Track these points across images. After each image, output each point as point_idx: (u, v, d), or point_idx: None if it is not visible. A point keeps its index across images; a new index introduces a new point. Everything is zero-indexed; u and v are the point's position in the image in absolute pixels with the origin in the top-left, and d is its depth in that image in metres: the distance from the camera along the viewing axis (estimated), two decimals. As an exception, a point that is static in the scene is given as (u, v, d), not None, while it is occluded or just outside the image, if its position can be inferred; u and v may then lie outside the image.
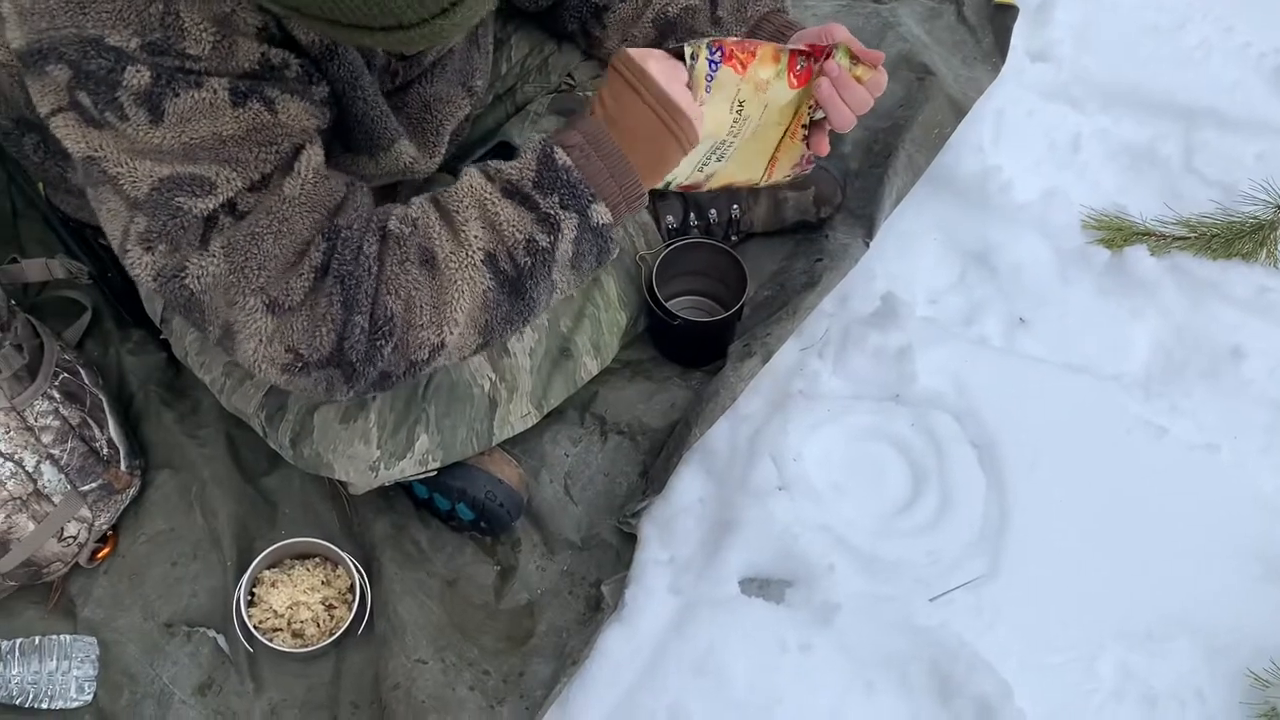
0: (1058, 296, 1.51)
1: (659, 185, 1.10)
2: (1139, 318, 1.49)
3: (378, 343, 0.98)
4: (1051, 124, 1.66)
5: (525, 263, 1.00)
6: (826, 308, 1.44)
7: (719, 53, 1.05)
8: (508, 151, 1.37)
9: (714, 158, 1.16)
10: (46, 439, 1.18)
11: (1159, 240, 1.54)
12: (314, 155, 0.97)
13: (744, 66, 1.08)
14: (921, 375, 1.39)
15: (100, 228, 1.29)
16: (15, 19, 0.91)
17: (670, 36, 1.29)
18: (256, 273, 0.94)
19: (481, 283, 0.99)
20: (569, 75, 1.41)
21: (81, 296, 1.38)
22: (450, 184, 1.33)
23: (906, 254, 1.52)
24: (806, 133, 1.20)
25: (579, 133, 1.01)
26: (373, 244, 0.98)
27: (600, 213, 1.01)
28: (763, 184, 1.24)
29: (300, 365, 0.98)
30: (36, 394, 1.17)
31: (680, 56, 1.03)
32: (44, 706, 1.20)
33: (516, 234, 0.99)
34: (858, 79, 1.13)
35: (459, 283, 0.99)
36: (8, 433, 1.15)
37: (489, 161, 1.03)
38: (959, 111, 1.56)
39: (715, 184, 1.21)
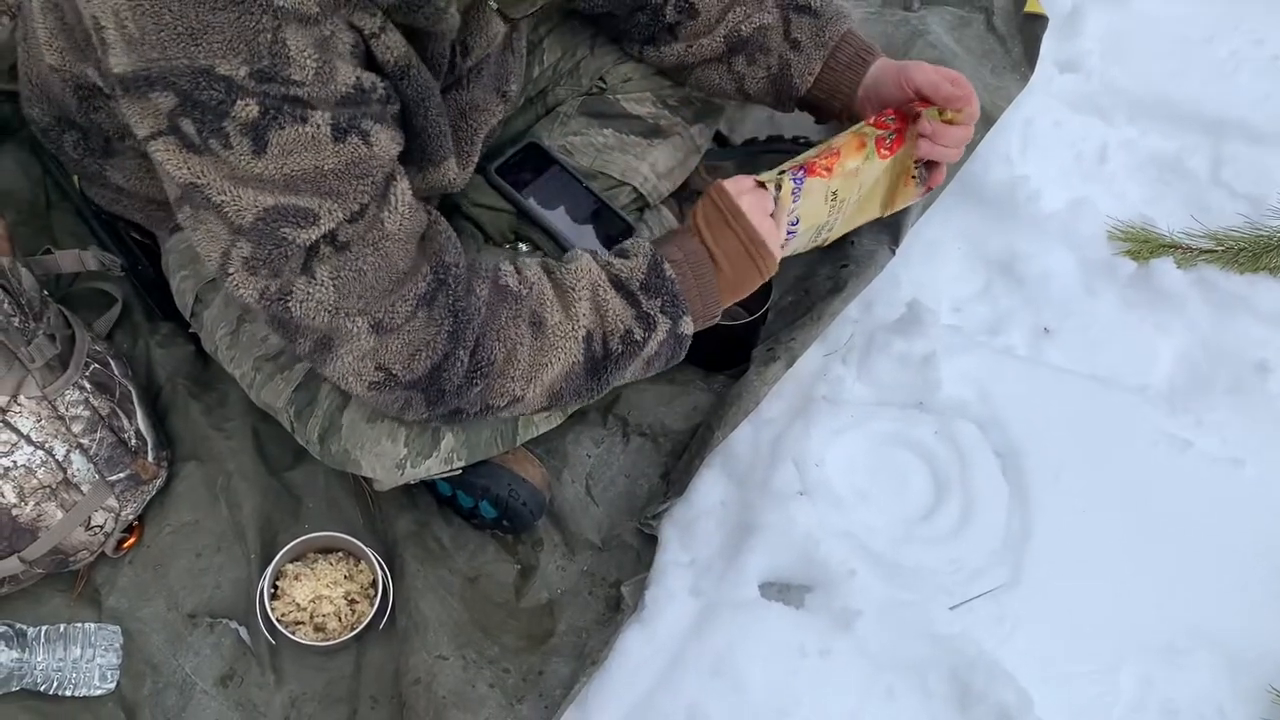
0: (1083, 307, 1.50)
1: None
2: (1165, 330, 1.49)
3: (474, 379, 1.05)
4: (1079, 134, 1.65)
5: (616, 349, 1.10)
6: (851, 313, 1.44)
7: (801, 172, 1.16)
8: (538, 154, 1.37)
9: (819, 237, 1.26)
10: (76, 428, 1.19)
11: (1185, 253, 1.53)
12: (405, 188, 1.03)
13: (829, 171, 1.18)
14: (946, 383, 1.39)
15: (134, 221, 1.32)
16: (123, 46, 0.92)
17: (740, 53, 1.30)
18: (360, 298, 1.00)
19: (576, 355, 1.09)
20: (600, 79, 1.42)
21: (112, 288, 1.40)
22: (480, 184, 1.35)
23: (932, 262, 1.52)
24: (916, 174, 1.27)
25: (681, 251, 1.12)
26: (484, 289, 1.06)
27: (686, 324, 1.12)
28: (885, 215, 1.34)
29: (389, 383, 1.04)
30: (68, 384, 1.18)
31: (763, 184, 1.14)
32: (68, 694, 1.21)
33: (619, 323, 1.09)
34: (951, 121, 1.20)
35: (558, 350, 1.08)
36: (39, 421, 1.17)
37: (599, 253, 1.13)
38: (987, 120, 1.56)
39: (829, 242, 1.32)
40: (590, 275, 1.09)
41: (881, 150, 1.21)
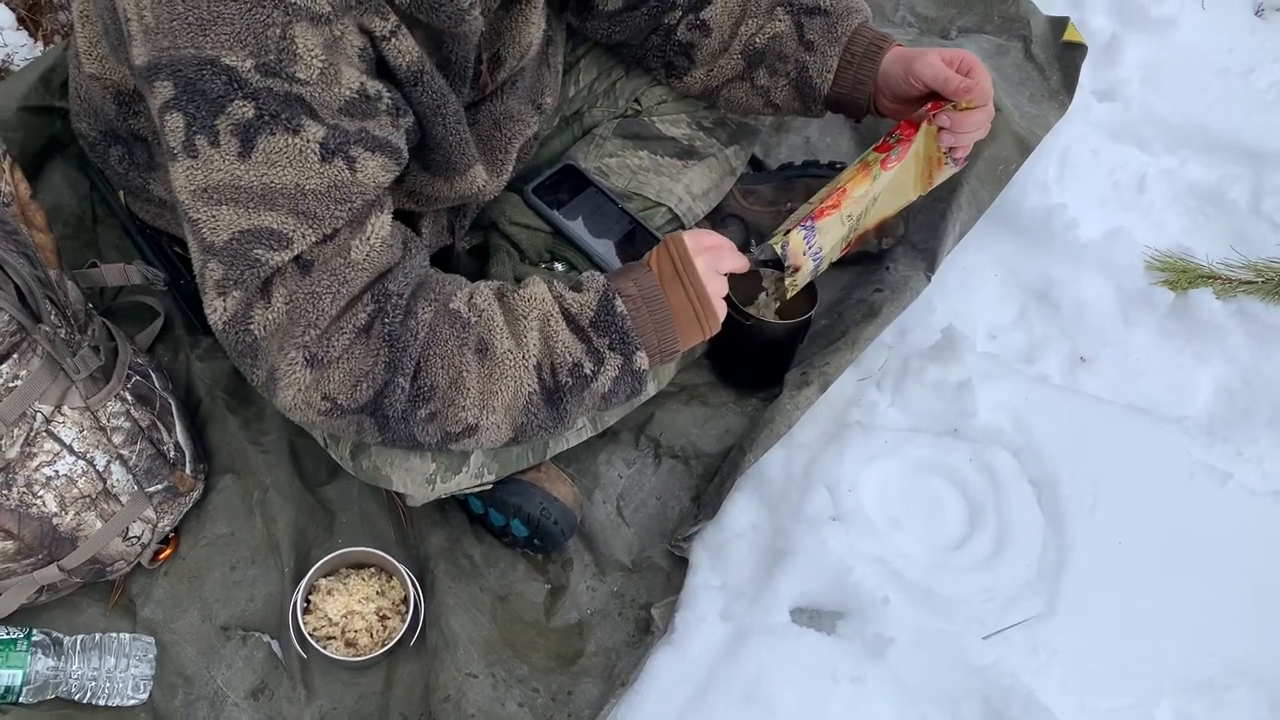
0: (1120, 337, 1.49)
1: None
2: (1203, 361, 1.48)
3: (417, 406, 1.03)
4: (1117, 163, 1.65)
5: (566, 382, 1.06)
6: (886, 339, 1.44)
7: (810, 221, 1.18)
8: (574, 176, 1.38)
9: (846, 241, 1.28)
10: (117, 439, 1.21)
11: (1225, 284, 1.52)
12: (383, 222, 1.02)
13: (837, 207, 1.20)
14: (981, 410, 1.38)
15: (176, 236, 1.34)
16: (141, 36, 0.95)
17: (760, 66, 1.31)
18: (305, 329, 0.99)
19: (528, 384, 1.05)
20: (635, 100, 1.43)
21: (154, 302, 1.42)
22: (517, 204, 1.36)
23: (968, 288, 1.52)
24: (947, 157, 1.27)
25: (636, 286, 1.09)
26: (426, 312, 1.03)
27: (640, 359, 1.08)
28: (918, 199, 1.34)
29: (338, 411, 1.03)
30: (110, 395, 1.20)
31: (771, 262, 1.19)
32: (101, 703, 1.22)
33: (567, 355, 1.06)
34: (968, 107, 1.20)
35: (508, 378, 1.05)
36: (81, 432, 1.18)
37: (554, 281, 1.10)
38: (1025, 148, 1.55)
39: (870, 225, 1.33)
40: (542, 306, 1.06)
41: (890, 163, 1.22)
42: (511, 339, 1.05)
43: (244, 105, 0.92)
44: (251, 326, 0.98)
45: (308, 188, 0.95)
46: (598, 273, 1.11)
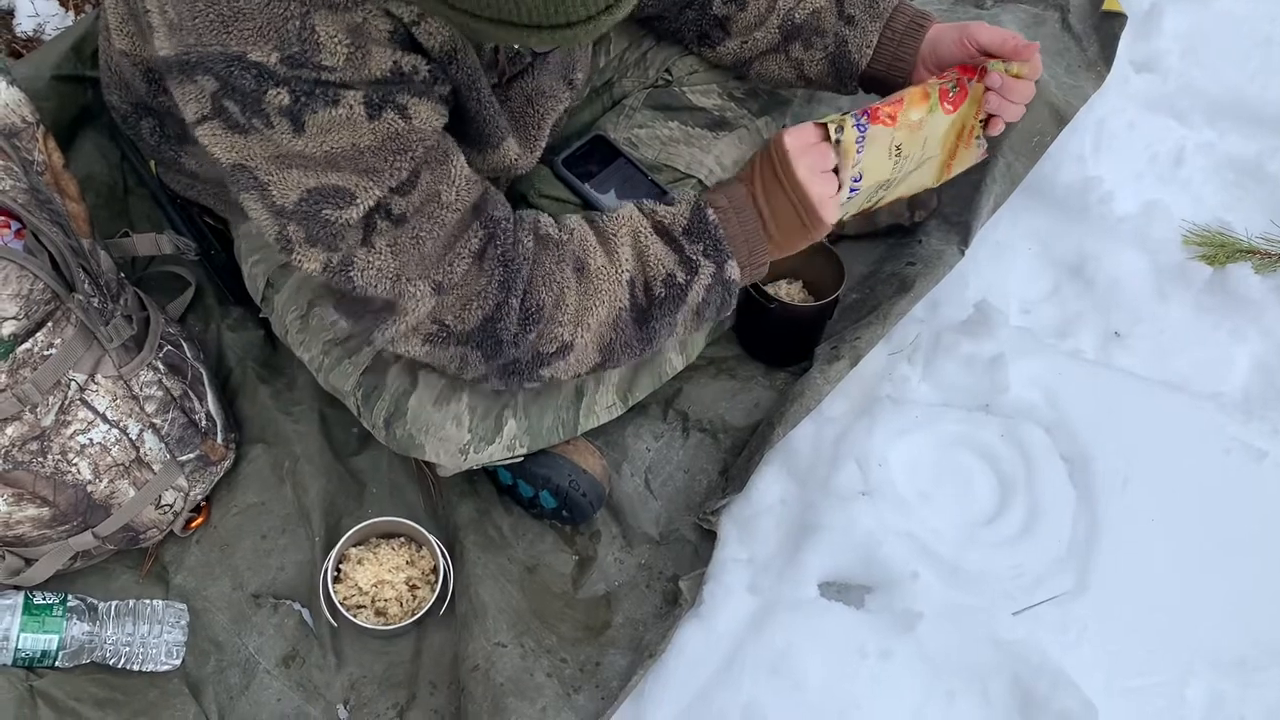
0: (1155, 312, 1.47)
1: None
2: (1240, 337, 1.45)
3: (527, 326, 1.06)
4: (1154, 136, 1.62)
5: (660, 294, 1.09)
6: (918, 313, 1.43)
7: (865, 116, 1.12)
8: (604, 147, 1.37)
9: (880, 193, 1.22)
10: (150, 408, 1.22)
11: (1264, 259, 1.49)
12: (462, 162, 1.04)
13: (893, 119, 1.14)
14: (1013, 385, 1.37)
15: (207, 206, 1.34)
16: (164, 31, 0.96)
17: (796, 40, 1.29)
18: (419, 265, 1.02)
19: (621, 300, 1.09)
20: (666, 70, 1.41)
21: (185, 272, 1.42)
22: (547, 176, 1.36)
23: (1001, 262, 1.50)
24: (979, 135, 1.23)
25: (727, 198, 1.11)
26: (528, 238, 1.07)
27: (733, 269, 1.10)
28: (939, 184, 1.29)
29: (444, 337, 1.06)
30: (142, 364, 1.21)
31: (827, 134, 1.10)
32: (135, 668, 1.23)
33: (660, 267, 1.09)
34: (1017, 75, 1.17)
35: (603, 293, 1.08)
36: (114, 400, 1.19)
37: (644, 202, 1.12)
38: (1060, 120, 1.53)
39: (888, 202, 1.26)
40: (632, 222, 1.10)
41: (945, 104, 1.17)
42: (604, 255, 1.08)
43: (278, 93, 0.94)
44: (352, 273, 1.02)
45: (363, 145, 0.97)
46: (687, 188, 1.11)
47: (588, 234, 1.09)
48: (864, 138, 1.12)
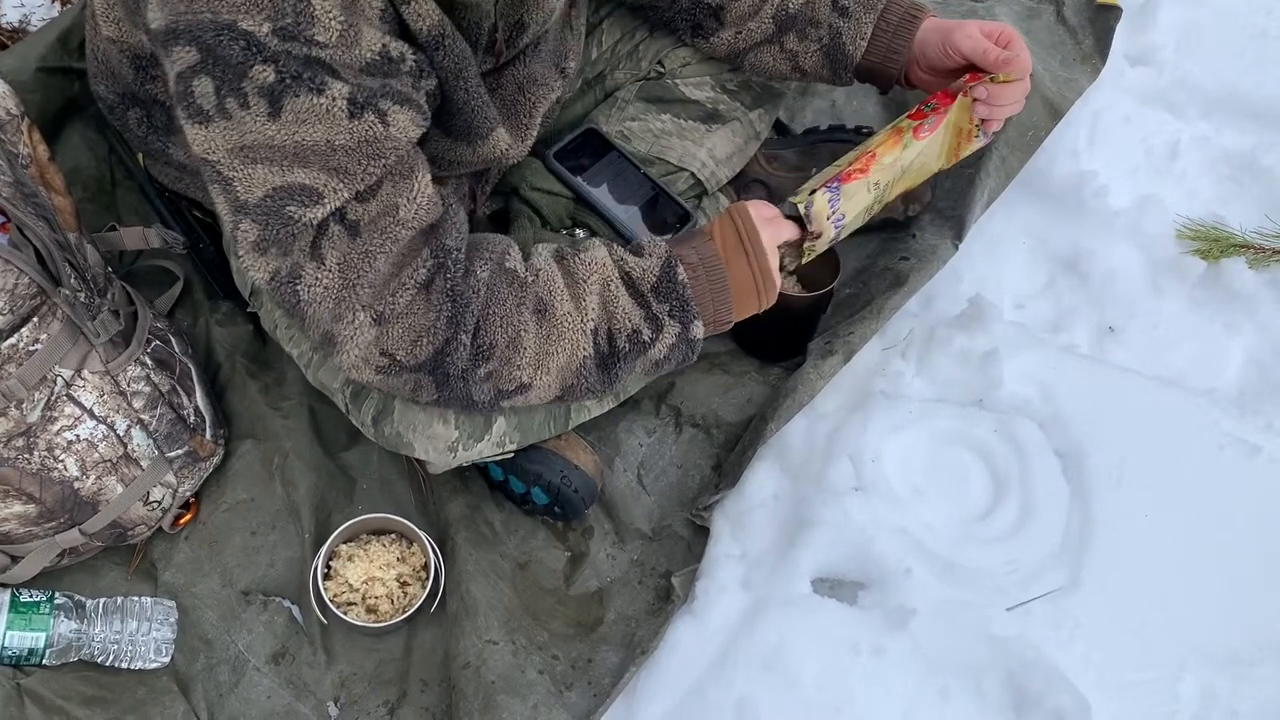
0: (1149, 307, 1.47)
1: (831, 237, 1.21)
2: (1235, 332, 1.45)
3: (477, 364, 1.04)
4: (1149, 130, 1.61)
5: (623, 347, 1.07)
6: (911, 308, 1.42)
7: (836, 183, 1.15)
8: (596, 140, 1.36)
9: (870, 213, 1.24)
10: (137, 404, 1.21)
11: (1258, 253, 1.49)
12: (427, 180, 1.02)
13: (865, 172, 1.17)
14: (1007, 381, 1.37)
15: (195, 199, 1.33)
16: (157, 1, 0.93)
17: (790, 31, 1.28)
18: (366, 290, 0.99)
19: (585, 349, 1.06)
20: (659, 62, 1.40)
21: (174, 266, 1.41)
22: (539, 169, 1.35)
23: (995, 257, 1.50)
24: (979, 133, 1.24)
25: (697, 254, 1.09)
26: (484, 270, 1.04)
27: (697, 329, 1.09)
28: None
29: (395, 368, 1.03)
30: (130, 359, 1.20)
31: (795, 217, 1.14)
32: (124, 666, 1.22)
33: (627, 321, 1.07)
34: (1006, 80, 1.18)
35: (565, 340, 1.06)
36: (101, 396, 1.18)
37: (614, 247, 1.10)
38: (1055, 113, 1.52)
39: (893, 198, 1.28)
40: (603, 270, 1.07)
41: (920, 134, 1.19)
42: (571, 301, 1.06)
43: (264, 69, 0.91)
44: (299, 287, 0.99)
45: (338, 143, 0.95)
46: (659, 239, 1.11)
47: (555, 276, 1.06)
48: (837, 200, 1.16)
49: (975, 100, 1.19)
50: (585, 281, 1.06)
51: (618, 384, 1.10)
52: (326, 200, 0.96)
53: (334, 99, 0.93)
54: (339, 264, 0.98)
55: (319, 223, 0.97)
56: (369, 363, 1.03)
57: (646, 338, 1.07)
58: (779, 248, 1.13)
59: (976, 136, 1.25)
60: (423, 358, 1.02)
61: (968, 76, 1.20)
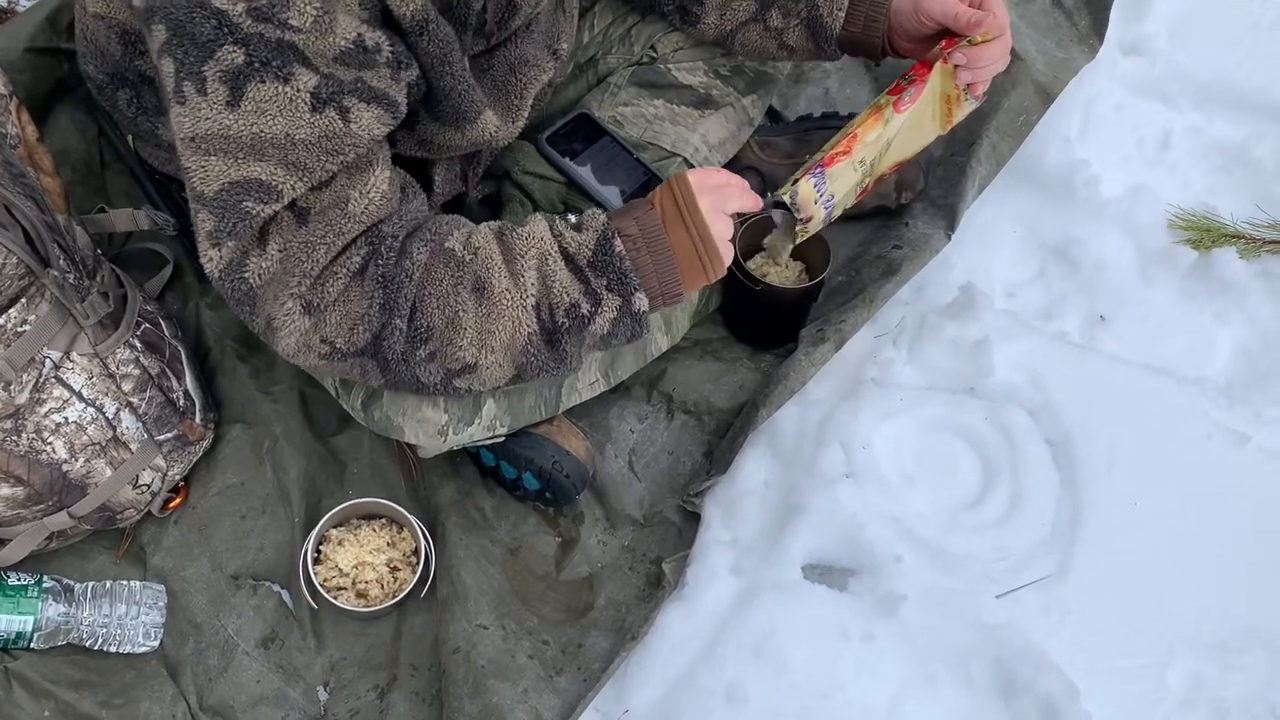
0: (1140, 296, 1.47)
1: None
2: (1224, 321, 1.46)
3: (415, 347, 1.02)
4: (1141, 119, 1.61)
5: (564, 323, 1.04)
6: (902, 296, 1.42)
7: (820, 169, 1.15)
8: (589, 125, 1.36)
9: (861, 186, 1.25)
10: (127, 387, 1.20)
11: (1249, 243, 1.50)
12: (383, 179, 1.00)
13: (848, 153, 1.16)
14: (998, 369, 1.37)
15: (184, 181, 1.32)
16: None
17: (772, 7, 1.28)
18: (300, 279, 0.98)
19: (528, 324, 1.04)
20: (651, 47, 1.40)
21: (164, 249, 1.40)
22: (531, 153, 1.34)
23: (986, 245, 1.50)
24: (967, 94, 1.23)
25: (638, 226, 1.05)
26: (421, 253, 1.02)
27: (640, 301, 1.05)
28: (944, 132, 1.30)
29: (338, 355, 1.03)
30: (119, 342, 1.19)
31: (780, 205, 1.14)
32: (112, 650, 1.22)
33: (565, 296, 1.04)
34: (984, 40, 1.16)
35: (505, 317, 1.03)
36: (90, 379, 1.17)
37: (556, 220, 1.07)
38: (1046, 97, 1.53)
39: (889, 167, 1.28)
40: (540, 245, 1.04)
41: (905, 104, 1.19)
42: (509, 278, 1.03)
43: (234, 51, 0.90)
44: (246, 275, 0.98)
45: (298, 137, 0.94)
46: (600, 211, 1.08)
47: (494, 253, 1.03)
48: (823, 183, 1.16)
49: (956, 67, 1.18)
50: (523, 257, 1.03)
51: (570, 359, 1.07)
52: (284, 195, 0.95)
53: (298, 90, 0.92)
54: (280, 251, 0.97)
55: (272, 215, 0.96)
56: (310, 349, 1.02)
57: (585, 311, 1.04)
58: (733, 218, 1.09)
59: (965, 100, 1.24)
60: (360, 344, 1.01)
61: (943, 43, 1.19)
